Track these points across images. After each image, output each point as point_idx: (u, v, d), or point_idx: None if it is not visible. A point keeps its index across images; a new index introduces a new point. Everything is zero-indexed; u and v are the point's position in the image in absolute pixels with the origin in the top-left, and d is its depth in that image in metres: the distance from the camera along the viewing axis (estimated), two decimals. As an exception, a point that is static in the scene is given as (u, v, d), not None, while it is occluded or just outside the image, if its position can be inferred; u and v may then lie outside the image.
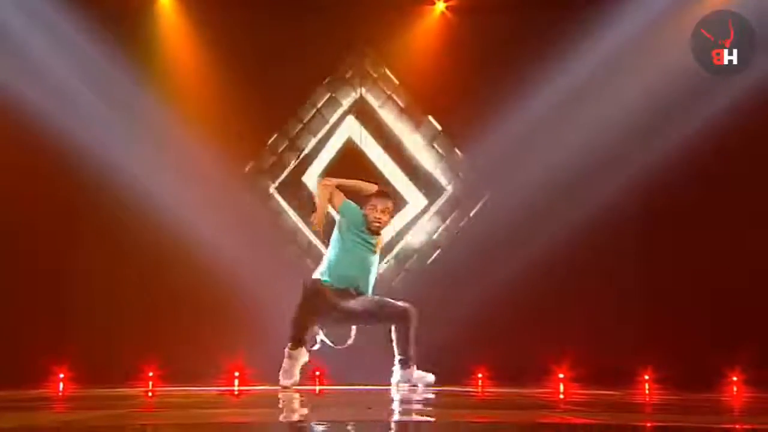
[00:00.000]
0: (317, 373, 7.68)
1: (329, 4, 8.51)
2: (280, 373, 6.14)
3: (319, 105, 8.83)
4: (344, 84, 8.89)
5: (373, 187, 6.42)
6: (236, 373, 7.60)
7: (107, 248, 8.27)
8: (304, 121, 8.81)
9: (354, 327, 6.42)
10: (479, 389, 7.20)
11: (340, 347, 6.34)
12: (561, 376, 7.68)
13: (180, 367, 7.58)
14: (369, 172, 8.65)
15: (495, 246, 8.35)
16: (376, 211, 6.28)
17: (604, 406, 5.14)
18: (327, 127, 8.83)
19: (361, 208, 6.34)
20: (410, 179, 8.78)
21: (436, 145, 8.84)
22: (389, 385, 6.40)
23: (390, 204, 6.37)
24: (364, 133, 8.78)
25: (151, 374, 7.53)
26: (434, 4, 8.75)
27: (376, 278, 6.45)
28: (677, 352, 7.73)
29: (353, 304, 6.23)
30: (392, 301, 6.42)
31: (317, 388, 7.11)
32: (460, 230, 8.77)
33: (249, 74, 8.39)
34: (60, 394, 6.61)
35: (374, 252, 6.36)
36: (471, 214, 8.78)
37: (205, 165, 8.26)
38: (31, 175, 8.01)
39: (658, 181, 8.19)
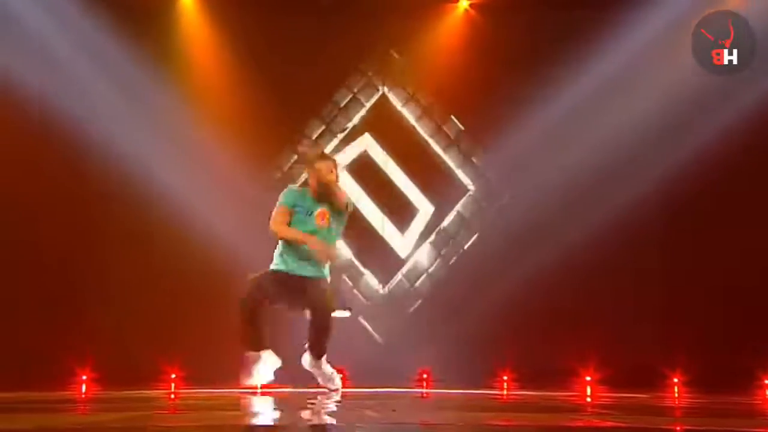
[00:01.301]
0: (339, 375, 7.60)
1: (351, 3, 8.44)
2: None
3: (341, 104, 8.78)
4: (366, 83, 8.83)
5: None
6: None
7: (130, 248, 8.23)
8: (326, 121, 8.76)
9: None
10: (504, 391, 7.12)
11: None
12: (587, 378, 7.58)
13: (202, 369, 7.54)
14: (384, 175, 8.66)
15: (518, 246, 8.27)
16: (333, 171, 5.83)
17: (633, 409, 5.05)
18: (349, 126, 8.77)
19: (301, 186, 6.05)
20: (425, 185, 8.70)
21: (459, 144, 8.76)
22: (417, 387, 6.33)
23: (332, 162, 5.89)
24: (379, 150, 8.72)
25: (173, 376, 7.49)
26: (457, 1, 8.66)
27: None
28: (706, 354, 7.62)
29: None
30: None
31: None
32: (482, 231, 8.69)
33: (270, 74, 8.33)
34: (83, 395, 6.59)
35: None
36: (492, 216, 8.69)
37: (226, 164, 8.21)
38: (51, 173, 7.99)
39: (683, 179, 8.08)
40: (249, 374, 5.74)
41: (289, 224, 5.74)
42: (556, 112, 8.19)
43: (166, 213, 7.92)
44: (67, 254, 8.03)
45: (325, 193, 5.73)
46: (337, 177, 5.86)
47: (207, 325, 7.94)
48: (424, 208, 8.72)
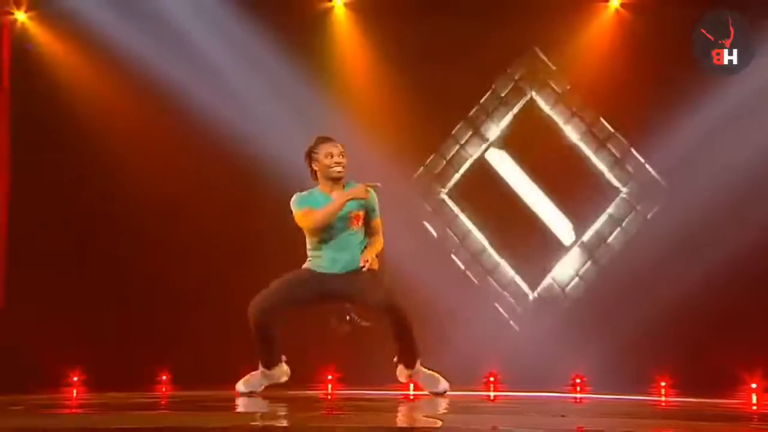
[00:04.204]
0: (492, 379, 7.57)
1: (498, 5, 8.40)
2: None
3: (489, 109, 8.75)
4: (514, 86, 8.76)
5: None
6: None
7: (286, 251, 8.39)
8: (475, 126, 8.75)
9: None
10: (662, 398, 6.93)
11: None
12: (753, 385, 7.29)
13: (356, 371, 7.62)
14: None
15: (675, 248, 8.07)
16: (334, 156, 5.48)
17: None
18: (498, 131, 8.74)
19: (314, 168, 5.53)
20: (575, 187, 8.57)
21: (610, 147, 8.60)
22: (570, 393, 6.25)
23: (341, 146, 5.52)
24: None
25: (330, 377, 7.61)
26: (608, 1, 8.49)
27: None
28: None
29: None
30: None
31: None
32: (635, 234, 8.50)
33: (419, 79, 8.36)
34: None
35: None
36: (648, 216, 8.50)
37: (376, 169, 8.30)
38: (216, 181, 8.31)
39: None
40: (247, 382, 5.55)
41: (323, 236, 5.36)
42: (715, 113, 7.95)
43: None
44: (235, 265, 8.24)
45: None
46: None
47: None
48: (574, 211, 8.62)
